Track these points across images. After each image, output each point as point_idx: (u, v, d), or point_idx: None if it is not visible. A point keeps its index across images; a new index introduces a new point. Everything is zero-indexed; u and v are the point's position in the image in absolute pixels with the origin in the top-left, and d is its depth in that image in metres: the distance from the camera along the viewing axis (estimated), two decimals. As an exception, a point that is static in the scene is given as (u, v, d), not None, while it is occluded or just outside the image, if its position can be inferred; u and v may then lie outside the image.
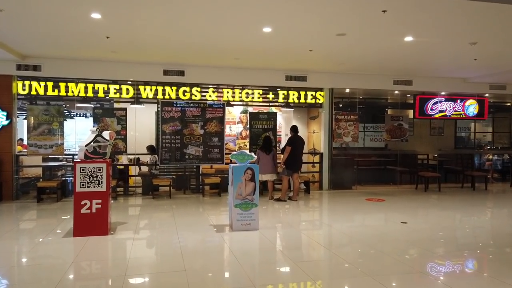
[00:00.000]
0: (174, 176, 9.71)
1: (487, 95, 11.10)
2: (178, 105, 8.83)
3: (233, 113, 11.37)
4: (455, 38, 6.59)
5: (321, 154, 10.07)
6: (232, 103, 9.65)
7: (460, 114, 10.94)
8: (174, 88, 9.13)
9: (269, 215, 7.06)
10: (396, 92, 10.65)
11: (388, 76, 10.12)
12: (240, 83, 9.46)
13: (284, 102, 9.76)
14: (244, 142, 11.61)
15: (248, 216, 5.82)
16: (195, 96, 9.25)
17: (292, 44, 7.12)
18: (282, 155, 8.42)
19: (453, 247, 5.27)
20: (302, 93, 9.81)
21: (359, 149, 10.46)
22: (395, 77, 10.15)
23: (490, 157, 12.08)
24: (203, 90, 9.35)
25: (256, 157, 5.99)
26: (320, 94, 9.93)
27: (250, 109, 11.05)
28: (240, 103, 9.79)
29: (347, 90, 10.42)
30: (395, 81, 10.17)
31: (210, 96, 9.36)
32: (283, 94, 9.71)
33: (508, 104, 12.79)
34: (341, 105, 10.76)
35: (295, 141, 8.37)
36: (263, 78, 9.52)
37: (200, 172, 9.54)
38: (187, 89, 9.18)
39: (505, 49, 7.23)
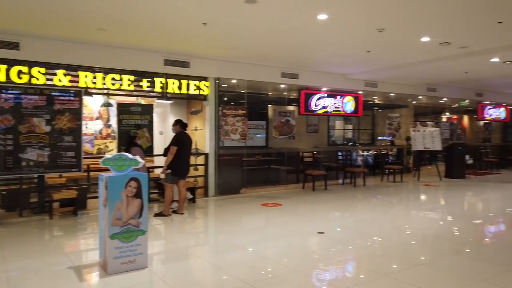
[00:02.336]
0: (4, 192, 6.87)
1: (360, 92, 11.39)
2: (8, 92, 6.14)
3: (90, 106, 8.95)
4: (358, 22, 5.98)
5: (206, 155, 8.61)
6: (91, 91, 7.33)
7: (340, 110, 10.94)
8: (3, 67, 6.38)
9: (154, 240, 5.25)
10: (283, 86, 9.95)
11: (277, 68, 9.31)
12: (105, 65, 7.25)
13: (162, 92, 7.94)
14: (106, 143, 9.32)
15: (132, 250, 3.98)
16: (37, 79, 6.65)
17: (181, 13, 5.45)
18: (166, 158, 6.65)
19: (414, 260, 4.50)
20: (184, 82, 8.15)
21: (247, 148, 9.37)
22: (283, 69, 9.41)
23: (362, 152, 12.58)
24: (50, 72, 6.81)
25: (143, 162, 4.16)
26: (205, 85, 8.44)
27: (114, 101, 8.83)
28: (103, 91, 7.53)
29: (234, 81, 9.21)
30: (283, 73, 9.43)
31: (60, 80, 6.87)
32: (161, 82, 7.88)
33: (370, 102, 13.63)
34: (226, 99, 9.49)
35: (183, 140, 6.71)
36: (136, 61, 7.53)
37: (45, 185, 6.96)
38: (24, 69, 6.53)
39: (407, 39, 7.04)
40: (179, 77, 8.07)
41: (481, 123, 15.63)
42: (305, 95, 10.20)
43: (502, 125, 16.52)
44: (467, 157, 12.10)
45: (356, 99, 11.20)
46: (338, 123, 14.36)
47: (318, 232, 5.48)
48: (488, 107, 14.83)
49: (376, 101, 13.60)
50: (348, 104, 11.05)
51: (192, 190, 7.87)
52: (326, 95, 10.55)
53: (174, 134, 6.79)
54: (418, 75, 10.62)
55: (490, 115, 15.01)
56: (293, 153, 10.65)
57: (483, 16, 5.59)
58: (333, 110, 10.77)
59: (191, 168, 8.37)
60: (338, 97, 10.84)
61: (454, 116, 17.27)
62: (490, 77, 11.01)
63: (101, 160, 3.99)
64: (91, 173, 7.49)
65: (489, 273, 4.00)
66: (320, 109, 10.46)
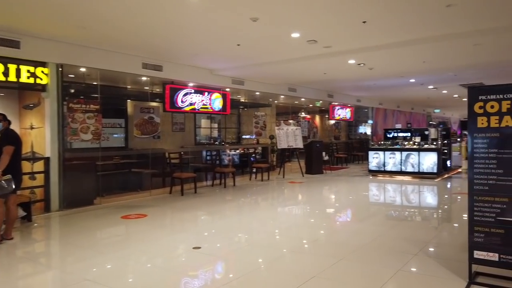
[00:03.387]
0: None
1: (228, 89, 11.02)
2: None
3: None
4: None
5: (47, 160, 6.88)
6: None
7: (208, 108, 10.33)
8: None
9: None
10: (145, 78, 8.79)
11: (138, 57, 8.11)
12: None
13: (-23, 78, 5.95)
14: None
15: None
16: None
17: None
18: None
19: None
20: (12, 67, 6.29)
21: (103, 149, 7.91)
22: (145, 59, 8.26)
23: (229, 152, 12.25)
24: None
25: None
26: (43, 72, 6.70)
27: None
28: None
29: (84, 70, 7.64)
30: (145, 64, 8.29)
31: None
32: (-24, 65, 5.89)
33: (236, 100, 13.47)
34: (73, 91, 7.84)
35: (19, 139, 5.11)
36: None
37: None
38: None
39: (278, 33, 6.77)
40: (4, 60, 6.19)
41: (332, 122, 17.20)
42: (171, 90, 9.25)
43: (347, 124, 18.56)
44: (323, 153, 12.97)
45: (224, 96, 10.78)
46: (204, 122, 13.80)
47: (194, 248, 4.69)
48: (338, 107, 16.36)
49: (242, 100, 13.50)
50: (216, 102, 10.54)
51: (26, 205, 6.12)
52: (193, 91, 9.80)
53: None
54: (282, 74, 10.80)
55: (339, 115, 16.60)
56: (158, 154, 9.58)
57: (349, 14, 5.66)
58: (201, 108, 10.10)
59: (26, 176, 6.58)
60: (206, 93, 10.21)
61: (308, 116, 18.66)
62: (342, 79, 11.96)
63: None
64: None
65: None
66: (187, 105, 9.65)
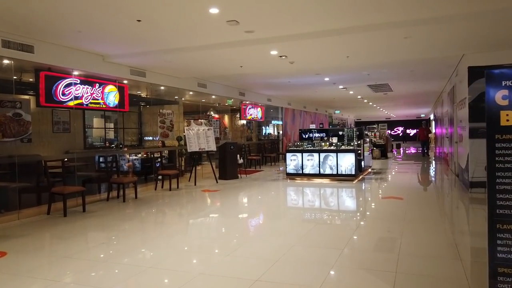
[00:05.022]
0: None
1: (126, 81, 9.14)
2: None
3: None
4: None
5: None
6: None
7: (99, 103, 8.34)
8: None
9: None
10: (6, 62, 6.51)
11: (-7, 29, 5.89)
12: None
13: None
14: None
15: None
16: None
17: None
18: None
19: None
20: None
21: None
22: (6, 35, 6.06)
23: (130, 157, 10.30)
24: None
25: None
26: None
27: None
28: None
29: None
30: (5, 42, 6.08)
31: None
32: None
33: (137, 95, 11.56)
34: None
35: None
36: None
37: None
38: None
39: (192, 4, 5.30)
40: None
41: (242, 122, 16.20)
42: (47, 79, 7.10)
43: (256, 124, 17.76)
44: (238, 156, 11.82)
45: (121, 90, 8.88)
46: (97, 121, 11.56)
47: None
48: (249, 106, 15.41)
49: (144, 95, 11.62)
50: (111, 96, 8.60)
51: None
52: (79, 81, 7.75)
53: None
54: (192, 66, 9.31)
55: (251, 115, 15.67)
56: (30, 163, 7.30)
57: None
58: (91, 103, 8.08)
59: None
60: (97, 85, 8.22)
61: (217, 116, 17.40)
62: (258, 75, 10.95)
63: None
64: None
65: None
66: (71, 100, 7.57)
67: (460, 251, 4.42)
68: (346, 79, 12.25)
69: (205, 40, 6.89)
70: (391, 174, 12.66)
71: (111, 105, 8.63)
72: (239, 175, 11.52)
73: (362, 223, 5.96)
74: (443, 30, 6.40)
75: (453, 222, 6.33)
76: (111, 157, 8.70)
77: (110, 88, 8.54)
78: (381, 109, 28.82)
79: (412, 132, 41.92)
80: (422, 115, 37.41)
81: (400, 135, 40.83)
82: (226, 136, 14.94)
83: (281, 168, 14.55)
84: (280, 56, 8.14)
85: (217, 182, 10.50)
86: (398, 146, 28.09)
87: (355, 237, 5.05)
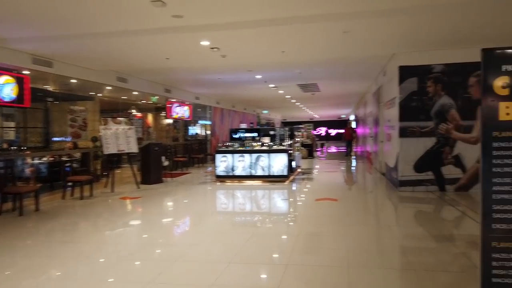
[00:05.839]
0: None
1: (27, 72, 7.69)
2: None
3: None
4: None
5: None
6: None
7: (-10, 96, 6.84)
8: None
9: None
10: None
11: None
12: None
13: None
14: None
15: None
16: None
17: None
18: None
19: None
20: None
21: None
22: None
23: (33, 161, 8.74)
24: None
25: None
26: None
27: None
28: None
29: None
30: None
31: None
32: None
33: (43, 89, 9.98)
34: None
35: None
36: None
37: None
38: None
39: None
40: None
41: (169, 121, 15.11)
42: None
43: (183, 124, 16.77)
44: (163, 158, 10.82)
45: (20, 81, 7.42)
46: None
47: None
48: (176, 104, 14.40)
49: (51, 89, 10.04)
50: (6, 89, 7.13)
51: None
52: (-40, 68, 6.23)
53: None
54: (111, 56, 8.15)
55: (177, 113, 14.66)
56: None
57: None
58: (-23, 95, 6.56)
59: None
60: (-14, 74, 6.72)
61: (139, 114, 16.08)
62: (186, 69, 10.09)
63: None
64: None
65: None
66: None
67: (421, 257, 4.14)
68: (277, 77, 11.91)
69: (125, 24, 5.90)
70: (321, 174, 12.64)
71: (6, 100, 7.14)
72: (164, 179, 10.54)
73: (303, 229, 5.50)
74: (380, 25, 6.23)
75: (399, 224, 6.17)
76: (6, 162, 7.21)
77: (5, 79, 7.06)
78: (307, 110, 29.47)
79: (334, 132, 43.86)
80: (343, 116, 39.26)
81: (323, 135, 42.40)
82: (149, 136, 13.76)
83: (209, 169, 13.82)
84: (212, 48, 7.41)
85: (138, 187, 9.42)
86: (322, 146, 28.98)
87: (298, 248, 4.55)
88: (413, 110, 8.18)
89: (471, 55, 7.74)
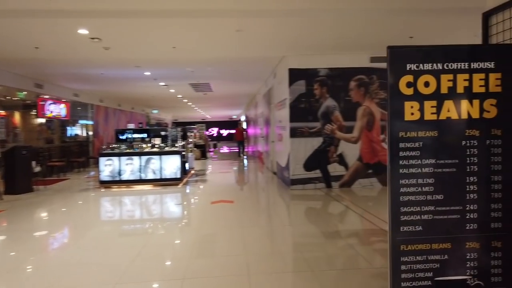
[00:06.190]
0: None
1: None
2: None
3: None
4: None
5: None
6: None
7: None
8: None
9: None
10: None
11: None
12: None
13: None
14: None
15: None
16: None
17: None
18: None
19: None
20: None
21: None
22: None
23: None
24: None
25: None
26: None
27: None
28: None
29: None
30: None
31: None
32: None
33: None
34: None
35: None
36: None
37: None
38: None
39: None
40: None
41: (41, 120, 13.19)
42: None
43: (60, 123, 14.87)
44: (33, 163, 9.34)
45: None
46: None
47: None
48: (49, 102, 12.65)
49: None
50: None
51: None
52: None
53: None
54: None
55: (52, 112, 12.91)
56: None
57: None
58: None
59: None
60: None
61: (3, 112, 13.73)
62: (60, 62, 8.85)
63: None
64: None
65: None
66: None
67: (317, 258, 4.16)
68: (168, 75, 11.33)
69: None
70: (215, 175, 12.46)
71: None
72: (35, 187, 9.10)
73: (199, 237, 5.18)
74: (271, 25, 6.26)
75: (295, 223, 6.26)
76: None
77: None
78: (198, 110, 29.10)
79: (225, 132, 44.35)
80: (234, 116, 39.95)
81: (215, 135, 42.54)
82: (16, 138, 11.78)
83: (91, 173, 12.51)
84: (92, 38, 6.56)
85: (1, 198, 7.93)
86: (215, 146, 29.00)
87: (195, 258, 4.22)
88: (302, 111, 8.53)
89: (353, 60, 8.48)
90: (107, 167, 9.50)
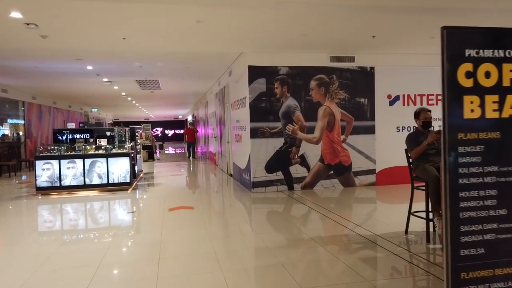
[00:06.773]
0: None
1: None
2: None
3: None
4: None
5: None
6: None
7: None
8: None
9: None
10: None
11: None
12: None
13: None
14: None
15: None
16: None
17: None
18: None
19: None
20: None
21: None
22: None
23: None
24: None
25: None
26: None
27: None
28: None
29: None
30: None
31: None
32: None
33: None
34: None
35: None
36: None
37: None
38: None
39: None
40: None
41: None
42: None
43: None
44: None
45: None
46: None
47: None
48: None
49: None
50: None
51: None
52: None
53: None
54: None
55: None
56: None
57: None
58: None
59: None
60: None
61: None
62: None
63: None
64: None
65: None
66: None
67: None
68: (114, 70, 10.38)
69: None
70: (167, 178, 11.69)
71: None
72: (-45, 197, 7.81)
73: (163, 254, 4.56)
74: (233, 16, 5.78)
75: (264, 230, 5.84)
76: None
77: None
78: (143, 109, 27.71)
79: (170, 132, 42.91)
80: (180, 116, 38.77)
81: (160, 135, 41.00)
82: None
83: (24, 177, 11.18)
84: (27, 24, 5.64)
85: None
86: (161, 147, 27.81)
87: (162, 285, 3.65)
88: (263, 111, 8.17)
89: (313, 59, 8.28)
90: (45, 171, 8.43)
